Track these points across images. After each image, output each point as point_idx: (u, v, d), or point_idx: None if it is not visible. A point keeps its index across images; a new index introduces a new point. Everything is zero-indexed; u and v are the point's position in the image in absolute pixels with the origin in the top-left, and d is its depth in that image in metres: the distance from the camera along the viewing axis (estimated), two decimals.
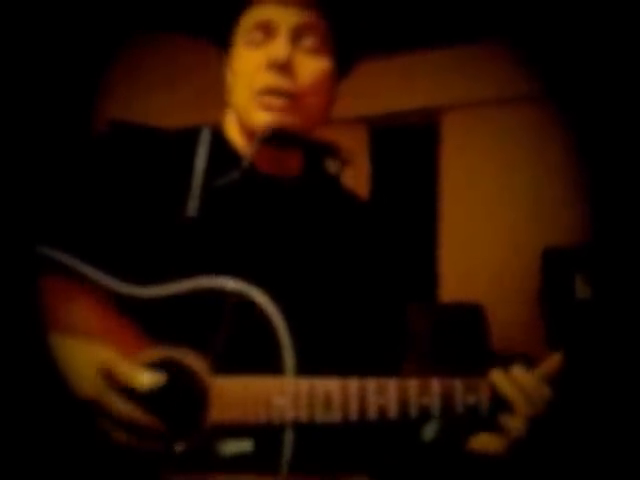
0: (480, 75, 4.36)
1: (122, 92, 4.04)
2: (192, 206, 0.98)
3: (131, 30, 3.86)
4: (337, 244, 1.07)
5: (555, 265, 3.96)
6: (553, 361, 0.91)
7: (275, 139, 1.01)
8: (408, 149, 4.92)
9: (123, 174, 1.01)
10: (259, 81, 1.02)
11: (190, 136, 1.07)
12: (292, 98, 1.01)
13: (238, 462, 0.87)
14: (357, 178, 4.85)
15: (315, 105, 1.04)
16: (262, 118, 1.01)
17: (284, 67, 1.00)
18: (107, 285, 0.91)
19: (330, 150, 1.13)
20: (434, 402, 0.89)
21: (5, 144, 1.02)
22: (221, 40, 1.10)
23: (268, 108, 1.01)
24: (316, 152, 1.14)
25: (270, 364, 0.88)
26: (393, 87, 4.70)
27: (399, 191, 4.82)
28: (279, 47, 1.01)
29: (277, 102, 1.01)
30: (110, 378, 0.84)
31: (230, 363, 0.88)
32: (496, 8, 3.76)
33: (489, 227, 4.39)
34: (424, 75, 4.59)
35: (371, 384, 0.89)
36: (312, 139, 1.09)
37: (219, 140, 1.08)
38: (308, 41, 1.02)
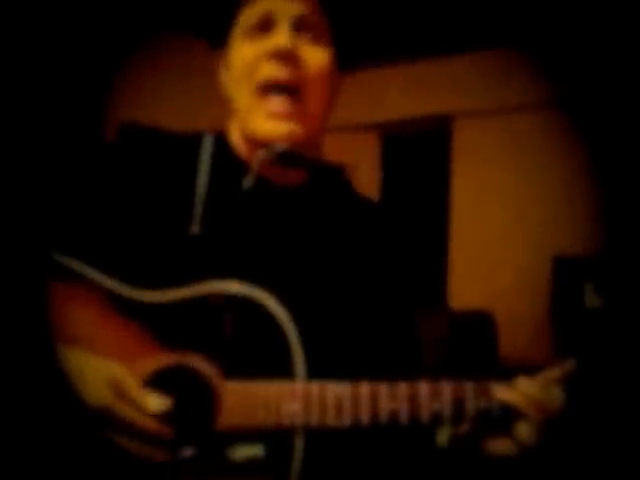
0: (492, 82, 4.36)
1: (134, 94, 4.06)
2: (195, 222, 0.96)
3: (143, 32, 3.87)
4: (347, 249, 1.05)
5: (565, 273, 3.95)
6: (563, 366, 0.91)
7: (278, 160, 0.98)
8: (420, 156, 4.91)
9: (130, 182, 1.00)
10: (260, 72, 0.97)
11: (193, 142, 1.05)
12: (296, 94, 0.97)
13: (248, 467, 0.86)
14: (368, 185, 4.85)
15: (319, 102, 1.00)
16: (266, 128, 0.98)
17: (287, 55, 0.96)
18: (115, 289, 0.91)
19: (333, 169, 1.13)
20: (445, 406, 0.88)
21: (15, 148, 1.02)
22: (217, 39, 1.05)
23: (273, 116, 0.97)
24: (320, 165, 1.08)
25: (281, 369, 0.88)
26: (405, 94, 4.70)
27: (410, 198, 4.81)
28: (281, 35, 0.97)
29: (281, 105, 0.96)
30: (120, 392, 0.84)
31: (241, 368, 0.88)
32: (509, 16, 3.76)
33: (500, 235, 4.37)
34: (436, 82, 4.59)
35: (382, 388, 0.88)
36: (315, 159, 1.04)
37: (222, 147, 1.05)
38: (309, 32, 0.99)
